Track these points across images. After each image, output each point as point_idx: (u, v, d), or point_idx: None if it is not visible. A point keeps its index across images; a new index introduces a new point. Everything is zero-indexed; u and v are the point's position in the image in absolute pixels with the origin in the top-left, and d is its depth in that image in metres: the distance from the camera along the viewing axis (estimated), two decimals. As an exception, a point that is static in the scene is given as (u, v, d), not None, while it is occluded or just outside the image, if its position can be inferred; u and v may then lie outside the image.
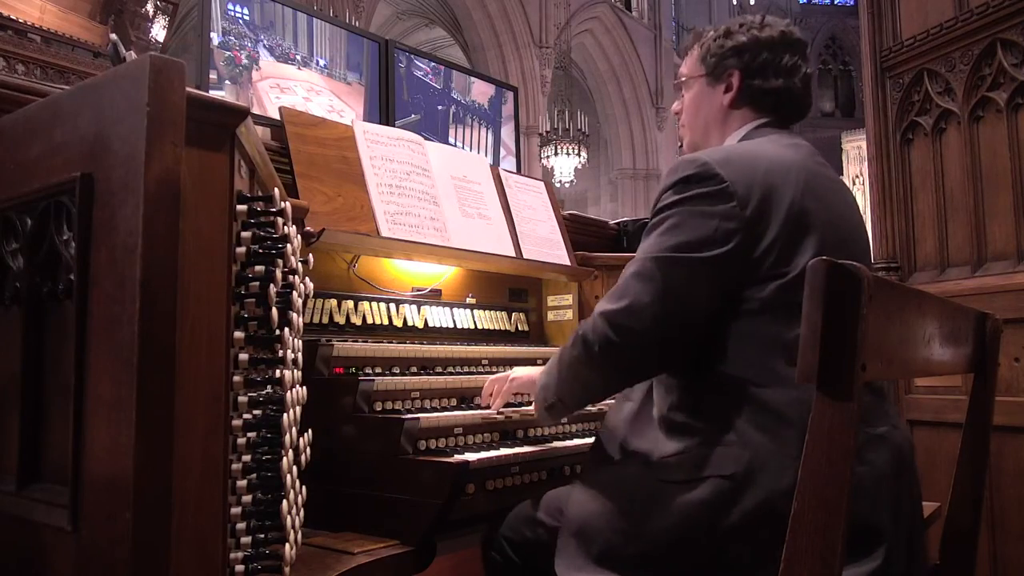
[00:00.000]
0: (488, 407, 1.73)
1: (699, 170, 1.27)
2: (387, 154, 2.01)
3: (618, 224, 2.89)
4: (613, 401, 1.52)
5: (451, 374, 1.86)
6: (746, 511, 1.15)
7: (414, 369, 1.82)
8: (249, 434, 1.08)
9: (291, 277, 1.19)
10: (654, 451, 1.28)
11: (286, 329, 1.12)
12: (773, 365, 1.20)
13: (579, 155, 13.79)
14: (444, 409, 1.71)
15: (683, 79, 1.61)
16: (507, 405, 1.76)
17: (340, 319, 1.88)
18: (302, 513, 1.29)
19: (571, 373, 1.38)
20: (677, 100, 1.64)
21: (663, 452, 1.26)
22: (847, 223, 1.36)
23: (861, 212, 1.47)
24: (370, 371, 1.71)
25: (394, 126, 2.41)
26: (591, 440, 1.79)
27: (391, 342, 1.86)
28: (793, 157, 1.35)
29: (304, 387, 1.29)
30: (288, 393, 1.12)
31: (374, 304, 1.96)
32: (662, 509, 1.21)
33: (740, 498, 1.16)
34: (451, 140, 2.72)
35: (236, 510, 1.05)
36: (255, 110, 2.06)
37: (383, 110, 2.48)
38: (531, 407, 1.74)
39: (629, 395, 1.44)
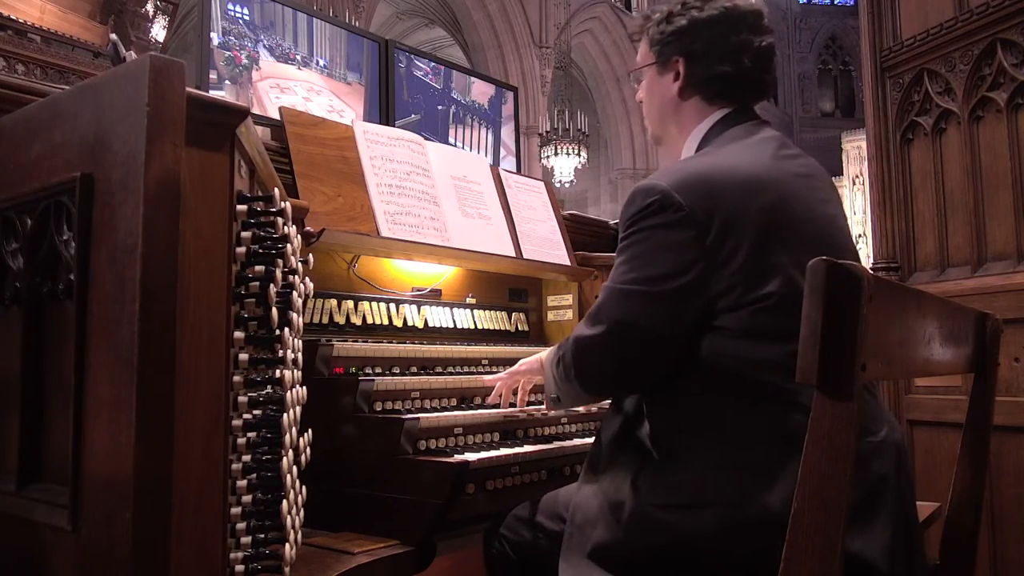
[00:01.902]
0: (496, 406, 1.76)
1: (658, 198, 1.22)
2: (387, 154, 2.01)
3: (618, 224, 2.89)
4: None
5: (451, 374, 1.86)
6: (750, 537, 1.12)
7: (414, 369, 1.82)
8: (249, 434, 1.08)
9: (291, 277, 1.19)
10: (648, 471, 1.25)
11: (286, 329, 1.12)
12: (763, 387, 1.17)
13: (579, 155, 13.78)
14: (444, 409, 1.71)
15: (638, 67, 1.54)
16: (511, 405, 1.77)
17: (340, 319, 1.88)
18: (302, 513, 1.29)
19: (559, 386, 1.43)
20: (639, 88, 1.56)
21: (656, 473, 1.24)
22: (825, 223, 1.31)
23: (840, 199, 1.41)
24: (370, 371, 1.71)
25: (394, 126, 2.41)
26: (591, 440, 1.79)
27: (391, 342, 1.86)
28: (761, 163, 1.29)
29: (304, 387, 1.29)
30: (288, 393, 1.12)
31: (374, 304, 1.96)
32: (657, 532, 1.20)
33: (744, 524, 1.13)
34: (451, 140, 2.72)
35: (236, 510, 1.05)
36: (255, 110, 2.06)
37: (383, 110, 2.48)
38: (538, 407, 1.75)
39: (620, 406, 1.40)
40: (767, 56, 1.41)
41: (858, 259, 1.39)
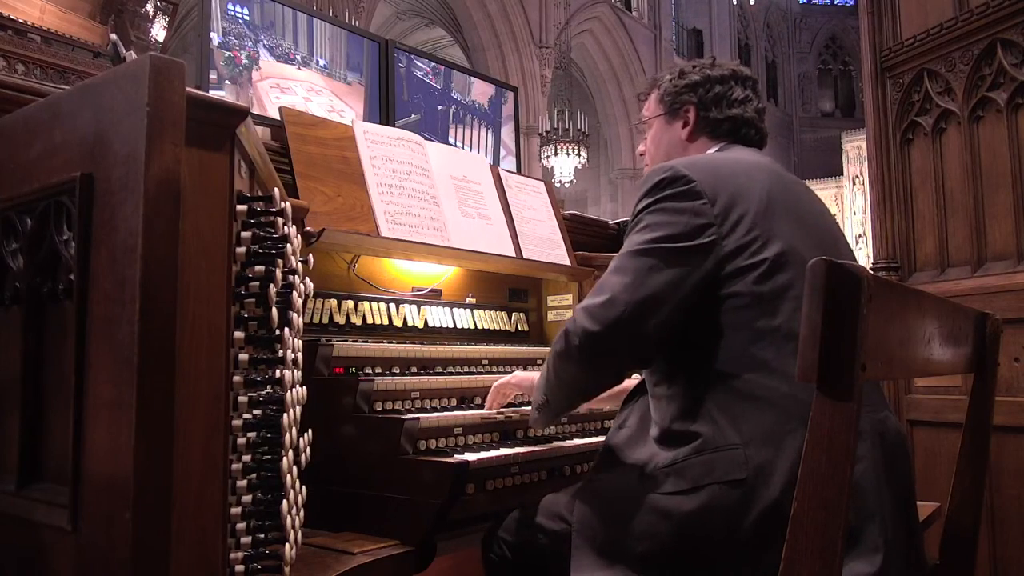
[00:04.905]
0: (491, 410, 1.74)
1: (668, 174, 1.33)
2: (387, 154, 2.01)
3: (618, 224, 2.89)
4: (602, 403, 1.53)
5: (451, 374, 1.86)
6: (762, 514, 1.15)
7: (414, 369, 1.82)
8: (249, 434, 1.08)
9: (291, 277, 1.19)
10: (655, 465, 1.28)
11: (286, 329, 1.12)
12: (764, 357, 1.22)
13: (579, 155, 13.78)
14: (444, 409, 1.71)
15: (644, 120, 1.70)
16: (508, 405, 1.76)
17: (340, 319, 1.87)
18: (302, 513, 1.29)
19: (555, 371, 1.40)
20: (641, 143, 1.74)
21: (663, 464, 1.26)
22: (814, 221, 1.40)
23: (830, 213, 1.53)
24: (370, 371, 1.71)
25: (394, 126, 2.41)
26: (591, 440, 1.79)
27: (391, 342, 1.86)
28: (756, 160, 1.44)
29: (304, 387, 1.29)
30: (288, 393, 1.12)
31: (374, 304, 1.96)
32: (667, 521, 1.21)
33: (753, 501, 1.16)
34: (451, 140, 2.72)
35: (236, 510, 1.05)
36: (255, 110, 2.06)
37: (383, 110, 2.48)
38: (529, 407, 1.74)
39: (623, 422, 1.46)
40: (763, 113, 1.62)
41: (852, 254, 1.48)
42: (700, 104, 1.58)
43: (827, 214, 1.49)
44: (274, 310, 1.10)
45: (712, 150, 1.55)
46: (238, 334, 1.06)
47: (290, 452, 1.15)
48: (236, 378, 1.06)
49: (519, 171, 2.85)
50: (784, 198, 1.35)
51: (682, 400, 1.29)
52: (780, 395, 1.19)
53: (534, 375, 1.63)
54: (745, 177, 1.34)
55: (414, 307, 2.06)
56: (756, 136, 1.59)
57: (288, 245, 1.14)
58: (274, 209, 1.13)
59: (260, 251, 1.11)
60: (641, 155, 1.74)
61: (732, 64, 1.64)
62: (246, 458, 1.07)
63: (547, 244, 2.37)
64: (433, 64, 2.72)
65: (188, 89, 0.95)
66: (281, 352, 1.12)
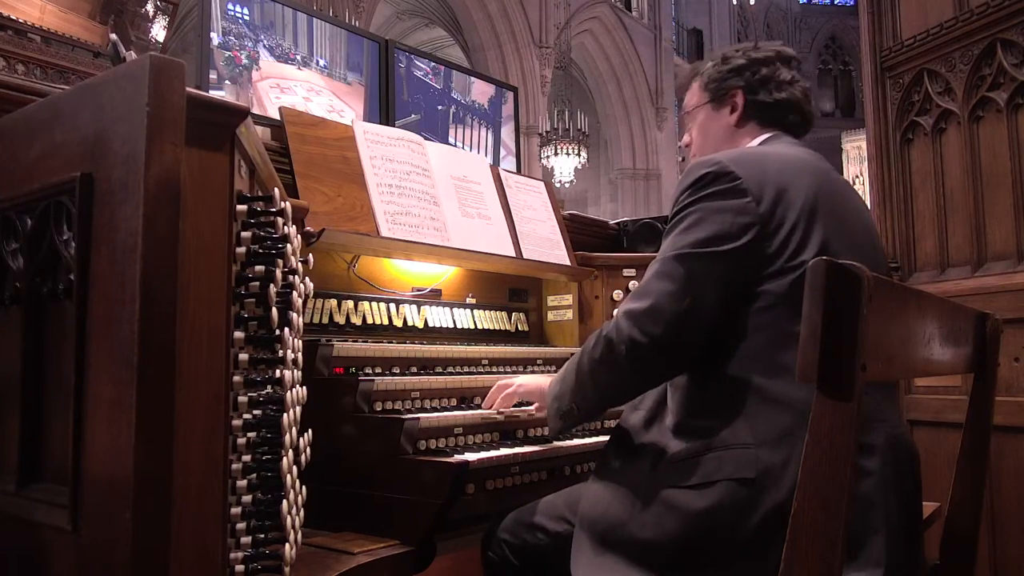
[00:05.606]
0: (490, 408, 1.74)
1: (713, 169, 1.30)
2: (387, 154, 2.01)
3: (618, 224, 2.89)
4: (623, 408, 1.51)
5: (451, 374, 1.86)
6: (767, 514, 1.15)
7: (414, 369, 1.82)
8: (249, 434, 1.08)
9: (291, 277, 1.19)
10: (666, 457, 1.27)
11: (286, 329, 1.12)
12: (785, 360, 1.20)
13: (579, 155, 13.79)
14: (444, 409, 1.71)
15: (688, 111, 1.65)
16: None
17: (340, 319, 1.88)
18: (302, 513, 1.29)
19: (592, 378, 1.37)
20: (686, 133, 1.68)
21: (674, 457, 1.26)
22: (855, 222, 1.38)
23: (869, 212, 1.50)
24: (370, 371, 1.71)
25: (394, 126, 2.41)
26: (591, 440, 1.79)
27: (391, 342, 1.86)
28: (803, 157, 1.39)
29: (304, 387, 1.29)
30: (288, 393, 1.12)
31: (374, 304, 1.96)
32: (674, 514, 1.21)
33: (761, 501, 1.15)
34: (451, 140, 2.72)
35: (236, 510, 1.05)
36: (255, 110, 2.06)
37: (383, 110, 2.48)
38: (531, 407, 1.74)
39: (639, 404, 1.43)
40: (809, 94, 1.59)
41: (886, 260, 1.46)
42: (748, 88, 1.54)
43: (867, 216, 1.46)
44: (274, 310, 1.10)
45: (759, 139, 1.52)
46: (238, 334, 1.06)
47: (290, 452, 1.15)
48: (236, 378, 1.06)
49: (519, 171, 2.85)
50: (829, 199, 1.32)
51: (700, 395, 1.28)
52: (796, 399, 1.17)
53: (542, 382, 1.60)
54: (792, 175, 1.31)
55: (414, 307, 2.06)
56: (802, 122, 1.55)
57: (288, 245, 1.14)
58: (274, 209, 1.13)
59: (260, 251, 1.11)
60: (686, 146, 1.68)
61: (775, 45, 1.60)
62: (246, 458, 1.07)
63: (547, 244, 2.37)
64: (433, 64, 2.72)
65: (188, 89, 0.95)
66: (281, 352, 1.12)
